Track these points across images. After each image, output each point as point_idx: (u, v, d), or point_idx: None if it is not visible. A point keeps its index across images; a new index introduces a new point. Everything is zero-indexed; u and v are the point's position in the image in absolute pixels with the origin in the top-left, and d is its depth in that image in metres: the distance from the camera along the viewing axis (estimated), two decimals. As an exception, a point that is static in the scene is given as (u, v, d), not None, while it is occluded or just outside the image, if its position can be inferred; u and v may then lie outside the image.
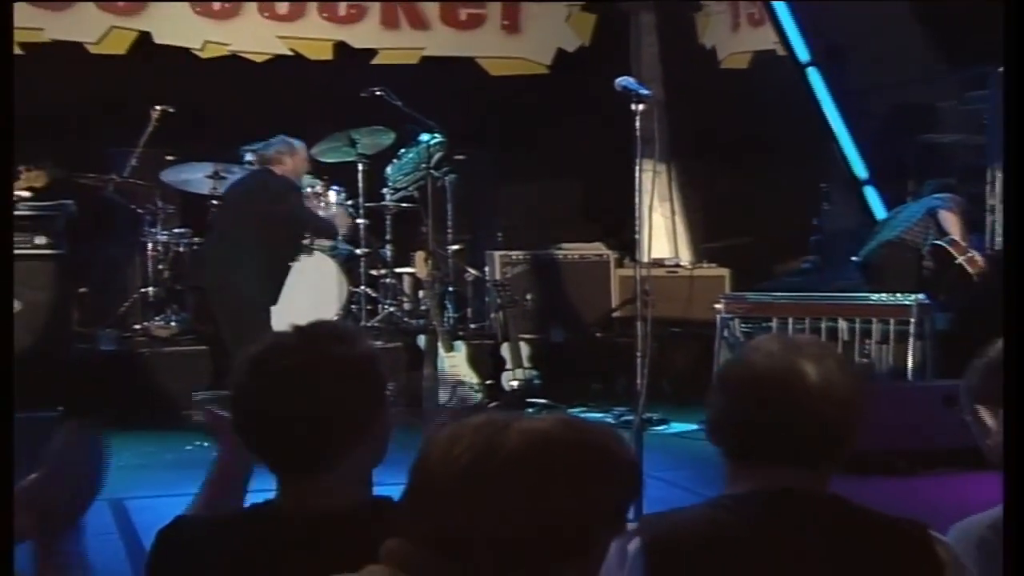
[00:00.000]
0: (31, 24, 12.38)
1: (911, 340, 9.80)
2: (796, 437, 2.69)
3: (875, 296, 10.41)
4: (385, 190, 12.04)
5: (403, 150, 11.91)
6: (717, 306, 10.42)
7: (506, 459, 2.00)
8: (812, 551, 2.62)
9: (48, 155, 10.70)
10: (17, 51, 12.22)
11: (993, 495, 3.09)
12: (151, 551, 2.86)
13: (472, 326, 11.88)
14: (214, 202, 11.29)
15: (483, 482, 2.00)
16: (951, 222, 10.92)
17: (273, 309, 10.06)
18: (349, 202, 11.72)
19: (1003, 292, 8.81)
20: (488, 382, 10.99)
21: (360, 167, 11.85)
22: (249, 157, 11.13)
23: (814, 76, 12.87)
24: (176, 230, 11.45)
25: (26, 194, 11.00)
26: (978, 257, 10.82)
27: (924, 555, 2.65)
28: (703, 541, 2.63)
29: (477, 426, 2.06)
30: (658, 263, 12.29)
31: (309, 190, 10.84)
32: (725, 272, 12.74)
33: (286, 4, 13.16)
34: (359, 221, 11.83)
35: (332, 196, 11.56)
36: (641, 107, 6.81)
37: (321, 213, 11.01)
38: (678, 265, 13.20)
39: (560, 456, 2.02)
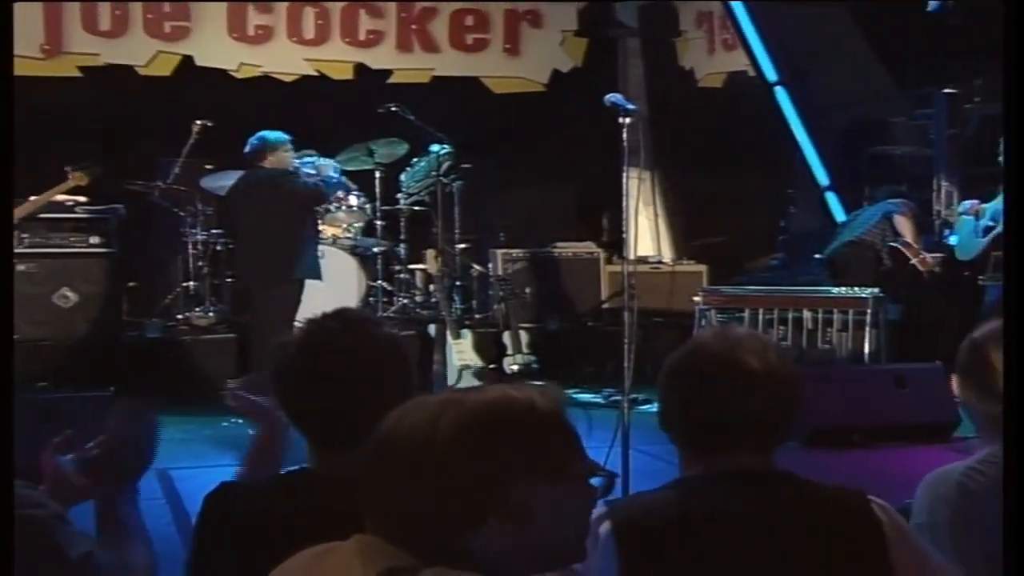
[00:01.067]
0: (89, 50, 12.44)
1: (867, 328, 9.82)
2: (741, 424, 2.68)
3: (835, 289, 10.44)
4: (399, 195, 12.03)
5: (416, 159, 11.91)
6: (695, 298, 10.44)
7: (431, 433, 1.97)
8: (766, 524, 2.61)
9: (96, 159, 10.73)
10: (76, 73, 12.31)
11: (937, 464, 3.13)
12: (200, 512, 2.87)
13: (477, 316, 11.88)
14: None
15: (419, 456, 1.97)
16: (904, 225, 10.93)
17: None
18: (367, 205, 11.74)
19: (1003, 292, 8.86)
20: (491, 366, 10.99)
21: (377, 174, 11.86)
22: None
23: (781, 94, 12.88)
24: (213, 231, 11.46)
25: (82, 199, 11.05)
26: (928, 258, 10.82)
27: (865, 519, 2.65)
28: (668, 521, 2.61)
29: (419, 404, 2.04)
30: (642, 260, 12.27)
31: (297, 163, 10.56)
32: (702, 268, 12.73)
33: (312, 29, 13.15)
34: (377, 222, 11.86)
35: (353, 199, 11.58)
36: (628, 121, 6.80)
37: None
38: (660, 262, 13.20)
39: (482, 424, 1.98)
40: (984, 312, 9.48)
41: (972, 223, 10.22)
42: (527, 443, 1.98)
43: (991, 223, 10.03)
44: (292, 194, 10.03)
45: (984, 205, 10.18)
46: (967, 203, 10.50)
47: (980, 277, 10.18)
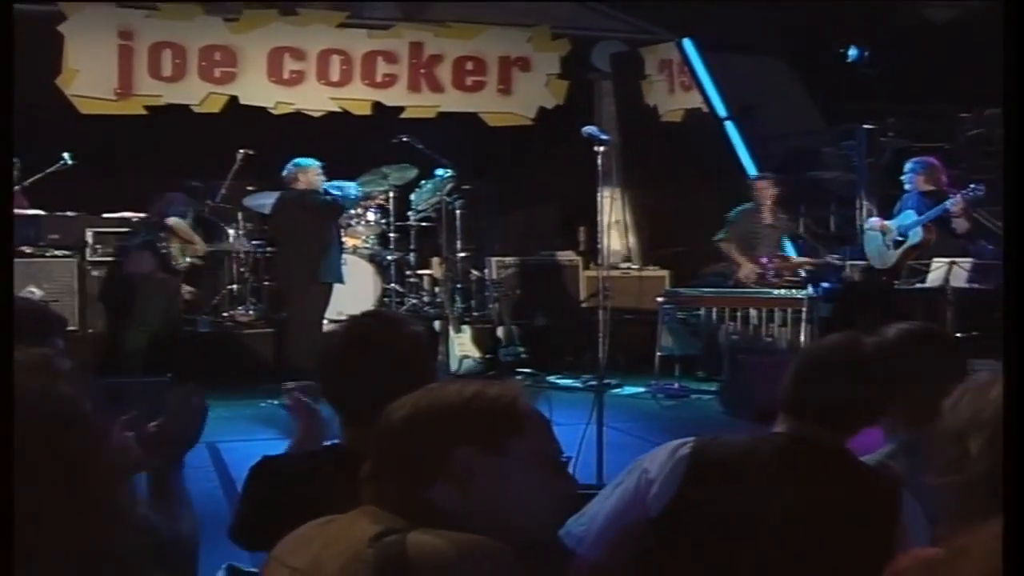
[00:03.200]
0: (153, 92, 12.49)
1: (803, 324, 9.82)
2: (834, 405, 2.75)
3: (776, 291, 10.43)
4: (410, 212, 12.03)
5: (424, 182, 11.90)
6: (659, 299, 10.43)
7: (401, 412, 2.04)
8: (809, 484, 2.66)
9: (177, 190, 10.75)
10: (143, 111, 12.32)
11: (863, 437, 3.11)
12: (245, 481, 2.88)
13: (475, 314, 11.86)
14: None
15: (391, 429, 2.05)
16: None
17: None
18: (384, 220, 11.73)
19: (1003, 292, 8.88)
20: (488, 356, 10.99)
21: (391, 195, 11.86)
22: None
23: (730, 128, 12.88)
24: (254, 242, 11.46)
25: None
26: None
27: (891, 491, 2.69)
28: (735, 458, 2.69)
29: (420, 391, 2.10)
30: (614, 266, 12.30)
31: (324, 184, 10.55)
32: (665, 273, 12.76)
33: (337, 73, 13.14)
34: (391, 235, 11.86)
35: (370, 215, 11.58)
36: (601, 149, 6.80)
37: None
38: (630, 268, 13.22)
39: (430, 404, 2.05)
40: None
41: (880, 237, 10.31)
42: (470, 420, 2.02)
43: (900, 238, 10.10)
44: (317, 208, 10.06)
45: (888, 223, 10.24)
46: (873, 220, 10.57)
47: (895, 282, 10.20)
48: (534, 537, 2.11)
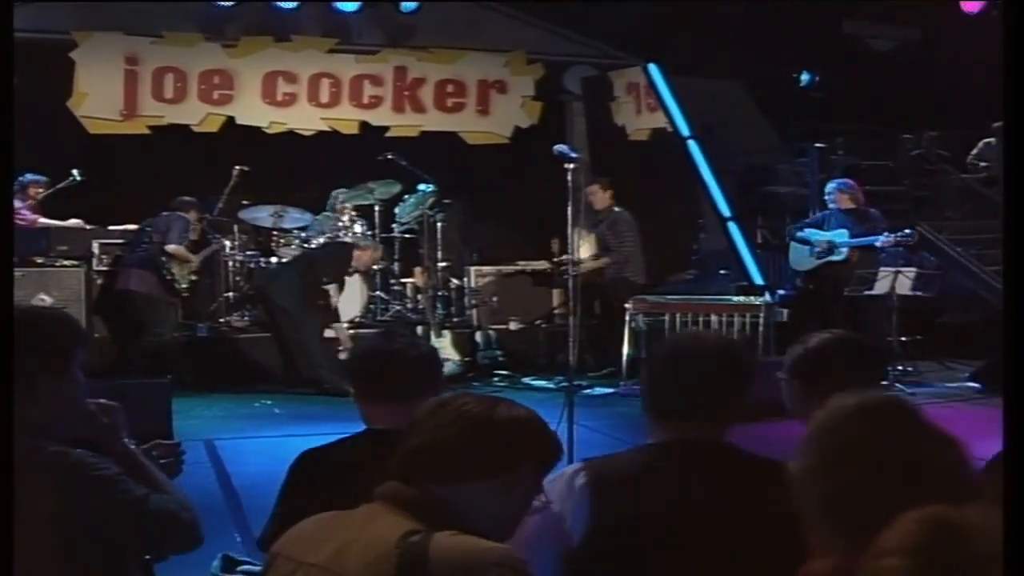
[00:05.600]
0: (156, 113, 12.47)
1: (760, 329, 9.87)
2: (698, 400, 2.66)
3: (735, 298, 10.50)
4: (394, 224, 12.04)
5: (407, 196, 11.92)
6: (627, 305, 10.46)
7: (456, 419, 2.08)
8: (710, 483, 2.58)
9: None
10: (146, 131, 12.31)
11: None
12: (289, 470, 3.03)
13: (455, 319, 11.89)
14: (274, 233, 11.36)
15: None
16: None
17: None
18: (369, 232, 11.73)
19: (1003, 292, 8.95)
20: (467, 359, 11.01)
21: (376, 208, 11.88)
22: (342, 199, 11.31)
23: (693, 146, 12.93)
24: (248, 252, 11.44)
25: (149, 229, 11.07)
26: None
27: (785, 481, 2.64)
28: (633, 477, 2.58)
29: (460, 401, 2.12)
30: (584, 274, 12.29)
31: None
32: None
33: (327, 95, 13.13)
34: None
35: (357, 227, 11.59)
36: (572, 166, 6.82)
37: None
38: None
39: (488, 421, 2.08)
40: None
41: (806, 249, 10.77)
42: (535, 437, 2.14)
43: (824, 250, 10.62)
44: None
45: (825, 235, 10.56)
46: (809, 232, 10.81)
47: (846, 289, 10.28)
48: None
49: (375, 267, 11.45)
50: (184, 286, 10.49)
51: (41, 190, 10.83)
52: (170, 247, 10.34)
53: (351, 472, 2.63)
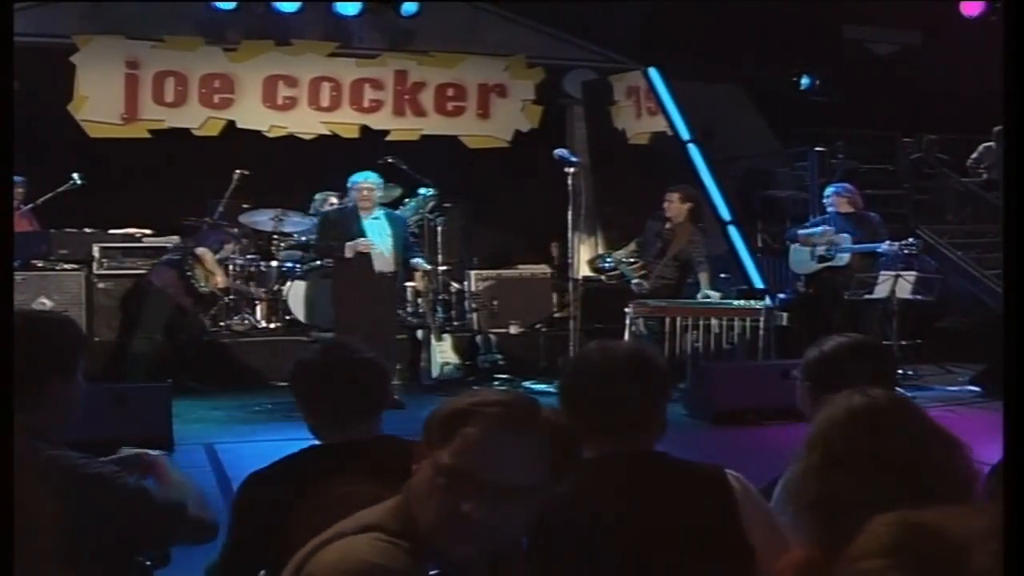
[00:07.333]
0: (157, 117, 12.51)
1: (760, 332, 9.86)
2: (613, 413, 2.63)
3: (736, 302, 10.48)
4: (395, 228, 12.03)
5: (407, 200, 11.89)
6: (627, 309, 10.44)
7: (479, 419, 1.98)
8: (642, 492, 2.55)
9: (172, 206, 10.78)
10: (147, 135, 12.34)
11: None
12: (236, 499, 2.94)
13: (455, 323, 11.86)
14: (275, 237, 11.36)
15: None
16: None
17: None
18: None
19: (1004, 296, 8.95)
20: (467, 363, 11.00)
21: (378, 212, 11.86)
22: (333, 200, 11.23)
23: (693, 150, 12.93)
24: (249, 256, 11.43)
25: (148, 232, 11.08)
26: None
27: (721, 489, 2.58)
28: (563, 495, 2.52)
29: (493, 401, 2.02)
30: (584, 278, 12.29)
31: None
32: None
33: (327, 99, 13.15)
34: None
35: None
36: (572, 170, 6.84)
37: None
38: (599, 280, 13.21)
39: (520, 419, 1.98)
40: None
41: (807, 251, 10.74)
42: (562, 445, 2.01)
43: (826, 255, 10.61)
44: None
45: (828, 235, 10.58)
46: (817, 229, 10.80)
47: (847, 293, 10.28)
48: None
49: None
50: (205, 290, 10.51)
51: (20, 191, 10.81)
52: (199, 249, 10.50)
53: (310, 487, 2.61)
